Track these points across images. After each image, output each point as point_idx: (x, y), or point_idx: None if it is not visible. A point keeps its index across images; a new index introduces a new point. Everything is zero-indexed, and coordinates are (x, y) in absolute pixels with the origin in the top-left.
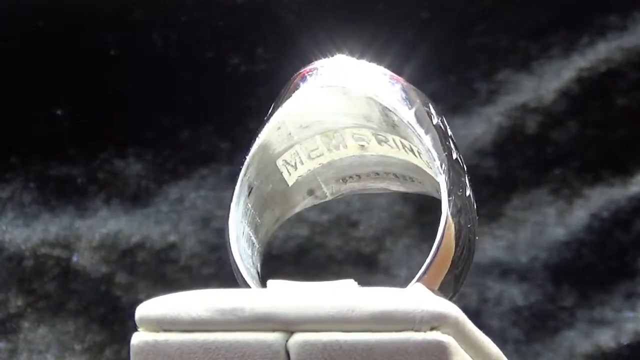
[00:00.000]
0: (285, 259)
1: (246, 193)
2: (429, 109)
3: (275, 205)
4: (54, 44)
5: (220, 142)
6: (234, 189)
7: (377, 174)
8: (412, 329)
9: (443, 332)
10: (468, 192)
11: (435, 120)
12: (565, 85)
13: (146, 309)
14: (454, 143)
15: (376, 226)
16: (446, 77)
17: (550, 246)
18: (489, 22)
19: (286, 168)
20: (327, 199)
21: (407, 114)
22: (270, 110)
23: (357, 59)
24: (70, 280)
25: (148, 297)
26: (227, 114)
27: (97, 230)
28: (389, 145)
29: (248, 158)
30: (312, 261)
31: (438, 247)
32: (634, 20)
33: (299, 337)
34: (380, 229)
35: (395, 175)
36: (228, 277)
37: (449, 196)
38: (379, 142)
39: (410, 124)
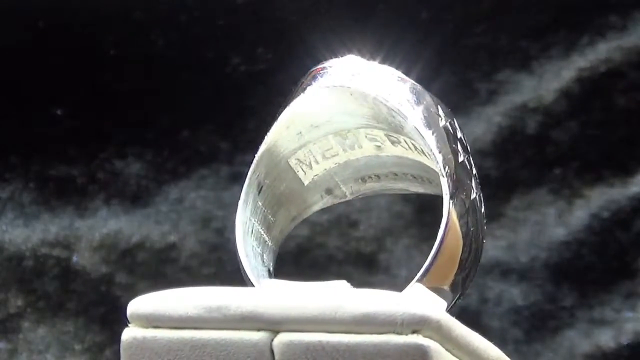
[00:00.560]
0: (285, 259)
1: (255, 191)
2: (437, 110)
3: (291, 204)
4: (54, 44)
5: (220, 142)
6: (240, 187)
7: (396, 174)
8: (393, 332)
9: (425, 336)
10: (474, 195)
11: (442, 122)
12: (565, 85)
13: (137, 305)
14: (462, 146)
15: (376, 226)
16: (446, 77)
17: (550, 246)
18: (489, 22)
19: (300, 167)
20: (347, 199)
21: (411, 115)
22: (280, 109)
23: (367, 59)
24: (70, 280)
25: None
26: (227, 114)
27: (97, 230)
28: (402, 146)
29: (257, 156)
30: (312, 261)
31: (439, 248)
32: (634, 20)
33: (283, 337)
34: (380, 229)
35: (413, 177)
36: (228, 277)
37: (451, 198)
38: (392, 142)
39: (414, 125)
